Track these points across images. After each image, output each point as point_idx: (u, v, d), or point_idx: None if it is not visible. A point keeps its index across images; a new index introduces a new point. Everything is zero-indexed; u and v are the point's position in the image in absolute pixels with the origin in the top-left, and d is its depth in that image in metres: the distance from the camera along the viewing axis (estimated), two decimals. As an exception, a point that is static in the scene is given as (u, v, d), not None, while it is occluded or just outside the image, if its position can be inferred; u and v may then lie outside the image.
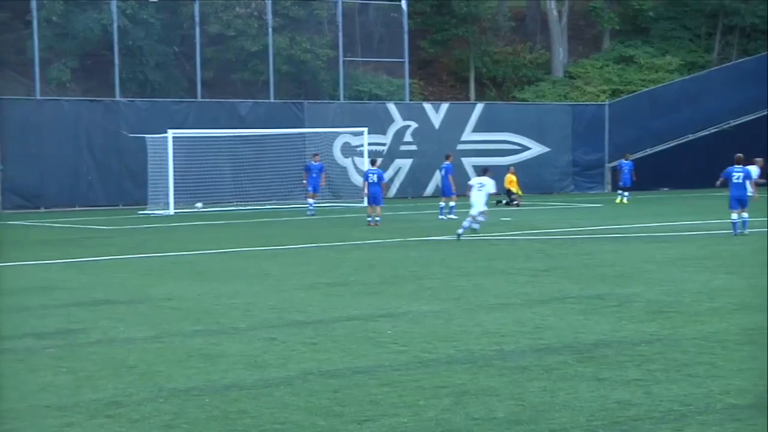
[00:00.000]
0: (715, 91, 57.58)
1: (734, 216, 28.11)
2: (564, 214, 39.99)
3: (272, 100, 50.95)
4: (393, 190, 51.56)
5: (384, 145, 52.01)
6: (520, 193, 46.13)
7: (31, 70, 47.07)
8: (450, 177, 37.55)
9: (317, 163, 41.95)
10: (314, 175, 41.50)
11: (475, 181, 30.07)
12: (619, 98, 59.66)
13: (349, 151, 50.50)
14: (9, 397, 10.85)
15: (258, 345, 13.48)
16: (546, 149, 55.97)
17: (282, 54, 53.02)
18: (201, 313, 16.20)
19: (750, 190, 28.62)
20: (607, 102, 58.81)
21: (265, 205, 45.71)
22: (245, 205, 45.20)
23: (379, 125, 51.68)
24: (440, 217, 36.73)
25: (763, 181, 34.71)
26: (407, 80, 55.56)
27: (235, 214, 41.28)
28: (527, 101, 60.26)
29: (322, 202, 43.44)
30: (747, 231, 27.94)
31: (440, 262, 22.98)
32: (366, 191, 35.12)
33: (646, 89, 60.09)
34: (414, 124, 53.19)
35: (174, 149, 42.76)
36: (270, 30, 51.54)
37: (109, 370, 12.09)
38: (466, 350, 12.96)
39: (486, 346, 13.16)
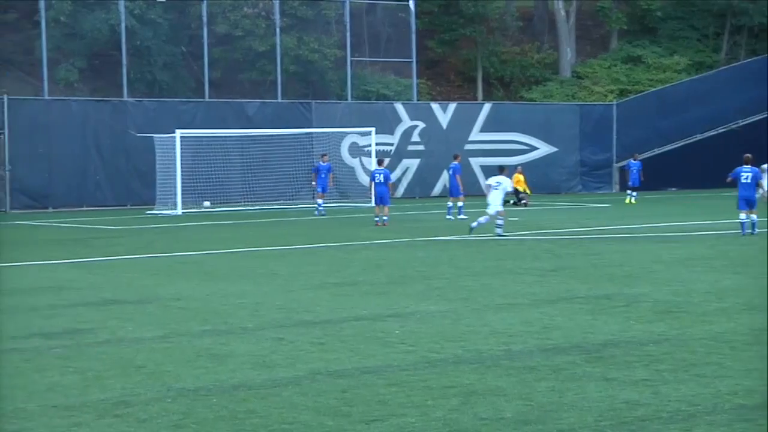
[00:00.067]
0: (723, 91, 57.45)
1: (742, 216, 28.06)
2: (572, 214, 39.96)
3: (280, 100, 50.97)
4: (401, 190, 51.57)
5: (392, 145, 52.03)
6: (528, 192, 46.12)
7: (39, 70, 47.15)
8: (458, 177, 37.52)
9: (325, 164, 41.98)
10: (323, 176, 41.52)
11: (492, 180, 29.74)
12: (627, 98, 59.59)
13: (357, 151, 50.50)
14: (17, 397, 10.86)
15: (266, 345, 13.48)
16: (554, 149, 55.94)
17: (289, 54, 53.04)
18: (209, 313, 16.21)
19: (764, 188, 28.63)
20: (614, 102, 58.74)
21: (272, 205, 45.74)
22: (253, 205, 45.23)
23: (386, 125, 51.69)
24: (448, 216, 36.72)
25: None
26: (415, 80, 55.54)
27: (243, 214, 41.31)
28: (535, 101, 60.22)
29: (330, 202, 43.44)
30: (756, 231, 27.88)
31: (448, 262, 22.97)
32: (372, 191, 35.17)
33: (654, 89, 59.99)
34: (421, 124, 53.18)
35: (182, 149, 42.82)
36: (278, 30, 51.57)
37: (117, 369, 12.10)
38: (474, 350, 12.96)
39: (494, 346, 13.16)
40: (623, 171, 53.51)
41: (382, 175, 34.98)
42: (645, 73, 63.29)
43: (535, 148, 55.64)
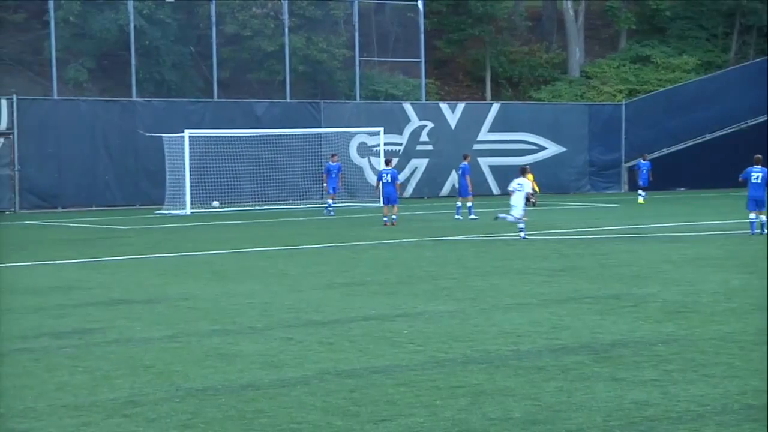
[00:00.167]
0: (732, 91, 57.37)
1: (752, 216, 28.02)
2: (580, 214, 39.93)
3: (288, 100, 50.99)
4: (409, 190, 51.57)
5: (400, 144, 52.03)
6: (538, 190, 46.08)
7: (48, 70, 47.24)
8: (467, 177, 37.50)
9: (335, 164, 41.99)
10: (333, 176, 41.54)
11: (515, 183, 29.56)
12: (636, 98, 59.51)
13: (366, 151, 50.51)
14: (26, 396, 10.88)
15: (275, 345, 13.50)
16: (562, 149, 55.90)
17: (298, 54, 53.07)
18: (218, 313, 16.23)
19: None
20: (623, 102, 58.67)
21: (281, 204, 45.77)
22: (262, 205, 45.26)
23: (395, 125, 51.70)
24: (456, 216, 36.71)
25: None
26: (423, 80, 55.54)
27: (251, 214, 41.34)
28: (543, 101, 60.17)
29: (338, 202, 43.44)
30: (766, 231, 27.81)
31: (456, 262, 22.97)
32: (380, 191, 35.21)
33: (663, 89, 59.91)
34: (430, 124, 53.17)
35: (190, 149, 42.87)
36: (286, 30, 51.59)
37: (126, 369, 12.12)
38: (483, 350, 12.95)
39: (502, 346, 13.15)
40: (632, 171, 53.45)
41: (389, 175, 35.00)
42: (654, 73, 63.21)
43: (544, 148, 55.61)
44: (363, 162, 50.63)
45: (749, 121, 57.04)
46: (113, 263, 24.20)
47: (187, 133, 42.93)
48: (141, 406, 10.38)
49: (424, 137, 52.99)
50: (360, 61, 53.44)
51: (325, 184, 42.58)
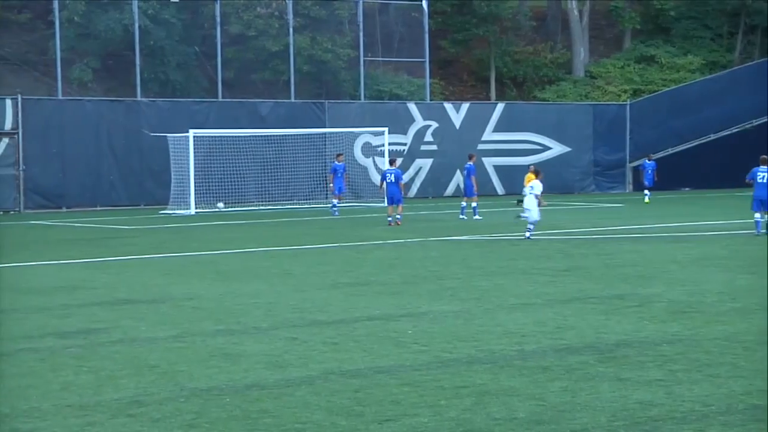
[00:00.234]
0: (737, 91, 57.32)
1: (757, 216, 27.99)
2: (585, 214, 39.91)
3: (293, 100, 51.00)
4: (414, 190, 51.57)
5: (405, 144, 52.02)
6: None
7: (53, 70, 47.27)
8: (473, 177, 37.49)
9: (341, 164, 41.99)
10: (339, 176, 41.53)
11: (528, 186, 29.51)
12: (641, 98, 59.49)
13: (370, 150, 50.51)
14: (31, 396, 10.89)
15: (279, 345, 13.50)
16: (567, 149, 55.86)
17: (303, 54, 53.08)
18: (222, 313, 16.23)
19: None
20: (628, 102, 58.64)
21: (286, 205, 45.78)
22: (266, 205, 45.27)
23: (399, 125, 51.68)
24: (461, 216, 36.71)
25: None
26: (428, 80, 55.53)
27: (256, 214, 41.36)
28: (548, 101, 60.14)
29: (343, 202, 43.44)
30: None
31: (461, 262, 22.97)
32: (383, 191, 35.24)
33: (668, 89, 59.88)
34: (435, 124, 53.16)
35: (195, 149, 42.89)
36: (291, 30, 51.60)
37: (131, 369, 12.13)
38: (487, 350, 12.95)
39: (507, 346, 13.15)
40: (637, 171, 53.40)
41: (393, 175, 35.00)
42: (658, 73, 63.18)
43: (549, 148, 55.57)
44: (367, 162, 50.63)
45: (754, 121, 56.99)
46: (118, 263, 24.22)
47: (191, 133, 42.95)
48: (146, 406, 10.39)
49: (428, 137, 52.97)
50: (364, 61, 53.43)
51: (331, 184, 42.58)
